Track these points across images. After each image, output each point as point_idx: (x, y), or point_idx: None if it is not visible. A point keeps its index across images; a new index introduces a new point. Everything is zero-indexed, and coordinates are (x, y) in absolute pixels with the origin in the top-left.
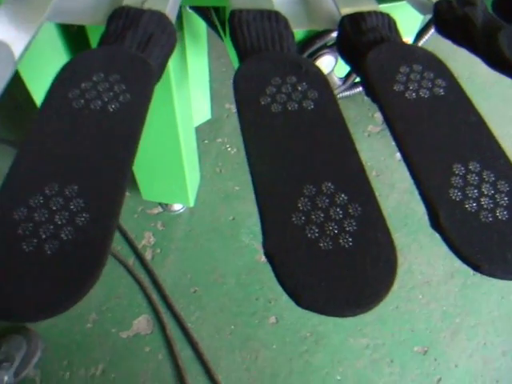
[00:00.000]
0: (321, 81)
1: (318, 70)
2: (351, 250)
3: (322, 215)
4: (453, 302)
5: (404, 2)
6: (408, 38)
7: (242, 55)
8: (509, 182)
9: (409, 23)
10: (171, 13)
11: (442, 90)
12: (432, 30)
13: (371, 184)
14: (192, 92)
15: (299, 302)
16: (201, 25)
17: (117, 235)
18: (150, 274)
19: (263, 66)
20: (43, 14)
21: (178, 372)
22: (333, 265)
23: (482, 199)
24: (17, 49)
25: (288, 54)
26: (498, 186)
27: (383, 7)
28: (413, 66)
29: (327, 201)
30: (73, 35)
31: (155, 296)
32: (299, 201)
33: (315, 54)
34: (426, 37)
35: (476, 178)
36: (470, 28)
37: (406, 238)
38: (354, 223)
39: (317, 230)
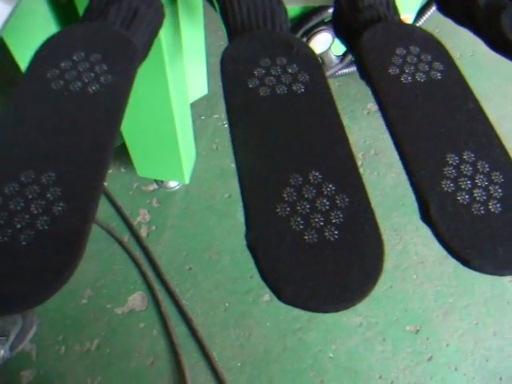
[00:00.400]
0: (313, 63)
1: (311, 51)
2: (337, 243)
3: (308, 206)
4: (447, 282)
5: None
6: (409, 14)
7: (231, 34)
8: (504, 173)
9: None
10: None
11: (439, 74)
12: (434, 8)
13: (360, 174)
14: (187, 67)
15: (281, 297)
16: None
17: (111, 212)
18: (145, 250)
19: (252, 45)
20: None
21: (173, 348)
22: (317, 258)
23: (475, 191)
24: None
25: (279, 33)
26: (493, 177)
27: None
28: (410, 48)
29: (314, 191)
30: (62, 6)
31: (150, 273)
32: (285, 191)
33: (312, 31)
34: (428, 14)
35: (470, 168)
36: (472, 6)
37: (402, 218)
38: (340, 215)
39: (302, 222)
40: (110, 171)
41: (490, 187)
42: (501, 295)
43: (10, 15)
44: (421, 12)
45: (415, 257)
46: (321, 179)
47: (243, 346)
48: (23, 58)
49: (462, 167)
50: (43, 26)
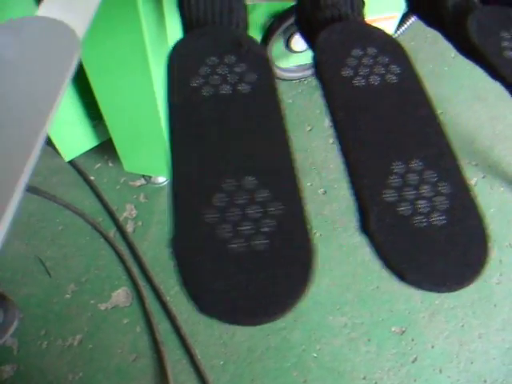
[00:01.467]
0: (263, 63)
1: (263, 51)
2: (264, 253)
3: (239, 213)
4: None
5: None
6: (394, 13)
7: (185, 28)
8: (451, 184)
9: None
10: None
11: (395, 78)
12: None
13: (299, 180)
14: None
15: (200, 309)
16: None
17: (98, 207)
18: (130, 246)
19: (202, 42)
20: None
21: (156, 345)
22: (241, 268)
23: (419, 201)
24: (80, 32)
25: (232, 30)
26: (439, 188)
27: None
28: (367, 49)
29: (247, 197)
30: None
31: (135, 269)
32: (216, 196)
33: (292, 29)
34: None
35: (416, 177)
36: (441, 8)
37: None
38: (272, 223)
39: (230, 230)
40: (97, 165)
41: (435, 198)
42: (487, 297)
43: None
44: (408, 13)
45: None
46: (255, 185)
47: (226, 345)
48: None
49: (408, 176)
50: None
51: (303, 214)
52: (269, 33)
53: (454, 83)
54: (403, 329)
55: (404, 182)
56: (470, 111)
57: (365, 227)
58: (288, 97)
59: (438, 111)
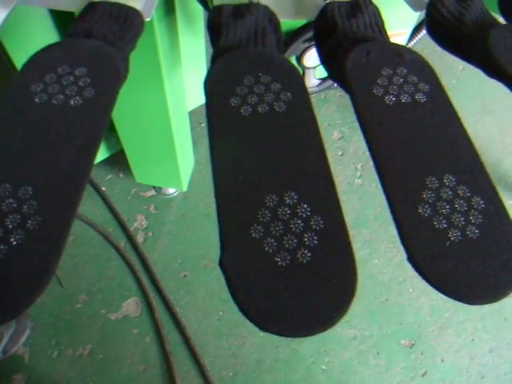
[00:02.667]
0: (296, 81)
1: (294, 69)
2: (308, 266)
3: (282, 227)
4: (443, 296)
5: None
6: (405, 29)
7: (218, 51)
8: (485, 199)
9: (406, 14)
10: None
11: (424, 96)
12: None
13: (337, 195)
14: (187, 74)
15: (259, 326)
16: (198, 7)
17: (109, 217)
18: (141, 257)
19: (238, 63)
20: None
21: (165, 355)
22: (288, 282)
23: (454, 216)
24: None
25: (265, 50)
26: (473, 203)
27: None
28: (397, 69)
29: (289, 212)
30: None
31: (145, 279)
32: (259, 211)
33: (303, 45)
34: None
35: (450, 192)
36: (461, 27)
37: None
38: (314, 237)
39: (275, 244)
40: (109, 176)
41: (470, 212)
42: (498, 311)
43: (5, 20)
44: (417, 28)
45: (412, 270)
46: (296, 200)
47: (236, 356)
48: (20, 59)
49: (442, 191)
50: (41, 28)
51: (344, 228)
52: (284, 48)
53: (462, 96)
54: (412, 342)
55: (439, 197)
56: (478, 124)
57: (402, 240)
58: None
59: None
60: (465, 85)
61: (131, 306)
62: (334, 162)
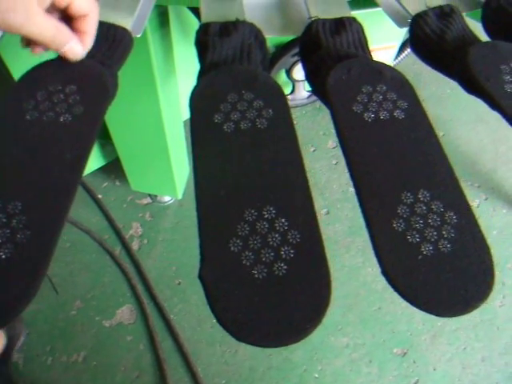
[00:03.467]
0: (278, 98)
1: (277, 87)
2: (284, 279)
3: (260, 241)
4: None
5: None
6: (393, 43)
7: (205, 67)
8: (457, 214)
9: (394, 28)
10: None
11: (402, 113)
12: None
13: (315, 210)
14: (182, 85)
15: (234, 336)
16: (192, 20)
17: (105, 224)
18: (135, 264)
19: (220, 81)
20: None
21: (158, 362)
22: (264, 294)
23: (427, 230)
24: None
25: (249, 68)
26: (446, 218)
27: (366, 12)
28: (376, 86)
29: (267, 226)
30: None
31: (140, 286)
32: (238, 225)
33: (293, 59)
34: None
35: (424, 207)
36: (442, 45)
37: None
38: (291, 251)
39: (253, 257)
40: (105, 184)
41: (443, 227)
42: (490, 320)
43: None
44: (406, 42)
45: None
46: (274, 214)
47: (228, 363)
48: (17, 71)
49: (416, 206)
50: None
51: (320, 242)
52: (272, 62)
53: (456, 105)
54: (405, 350)
55: (412, 212)
56: (472, 133)
57: (377, 255)
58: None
59: (440, 133)
60: (459, 95)
61: (125, 313)
62: (328, 170)
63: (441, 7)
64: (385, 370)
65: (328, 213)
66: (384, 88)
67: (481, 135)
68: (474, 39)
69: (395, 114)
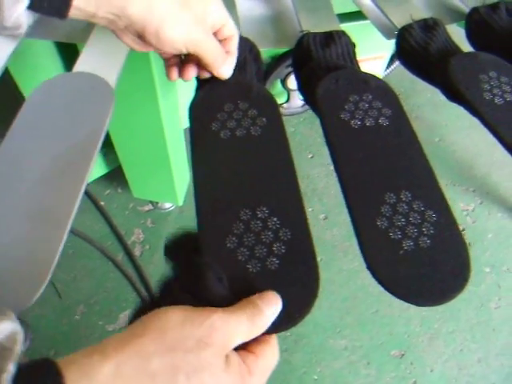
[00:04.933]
0: (271, 108)
1: (270, 97)
2: (276, 273)
3: (254, 238)
4: (432, 307)
5: None
6: (382, 53)
7: (200, 83)
8: (437, 213)
9: (383, 39)
10: None
11: (386, 120)
12: None
13: (305, 210)
14: (182, 94)
15: None
16: None
17: (107, 231)
18: (138, 269)
19: (217, 92)
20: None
21: None
22: (258, 287)
23: (408, 227)
24: (112, 82)
25: (243, 80)
26: (426, 216)
27: (356, 25)
28: (363, 95)
29: (260, 225)
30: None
31: (142, 291)
32: (234, 224)
33: (287, 69)
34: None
35: (406, 207)
36: (426, 56)
37: None
38: (282, 247)
39: (247, 253)
40: (107, 191)
41: (423, 225)
42: (486, 322)
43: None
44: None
45: None
46: (267, 214)
47: None
48: (26, 85)
49: (398, 206)
50: (46, 56)
51: (309, 239)
52: (267, 73)
53: (451, 111)
54: (402, 352)
55: (395, 211)
56: (467, 138)
57: (361, 249)
58: (291, 125)
59: (436, 139)
60: None
61: (128, 317)
62: (326, 176)
63: (425, 20)
64: (383, 371)
65: (326, 218)
66: (370, 97)
67: (476, 140)
68: (456, 50)
69: (380, 121)
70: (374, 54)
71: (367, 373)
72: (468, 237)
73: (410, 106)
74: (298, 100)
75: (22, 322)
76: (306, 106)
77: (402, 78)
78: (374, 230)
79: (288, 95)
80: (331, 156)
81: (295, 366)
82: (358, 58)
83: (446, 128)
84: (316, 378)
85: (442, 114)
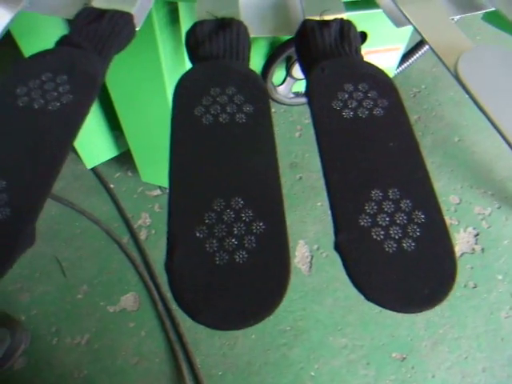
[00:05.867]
0: (260, 96)
1: (259, 83)
2: (243, 267)
3: (225, 230)
4: (439, 312)
5: None
6: (397, 45)
7: (193, 60)
8: (425, 213)
9: (398, 30)
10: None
11: (381, 111)
12: (426, 47)
13: (283, 203)
14: None
15: (190, 316)
16: None
17: (114, 213)
18: (142, 253)
19: (207, 74)
20: (19, 4)
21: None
22: (222, 280)
23: (392, 228)
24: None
25: (236, 64)
26: (413, 216)
27: (369, 13)
28: (358, 84)
29: (233, 216)
30: None
31: (145, 275)
32: (206, 214)
33: (293, 57)
34: (421, 51)
35: (392, 205)
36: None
37: None
38: (254, 240)
39: (216, 244)
40: (117, 174)
41: (409, 226)
42: (494, 331)
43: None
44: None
45: None
46: (242, 205)
47: (226, 356)
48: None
49: (385, 204)
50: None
51: (285, 233)
52: (270, 60)
53: (473, 111)
54: (404, 355)
55: (380, 209)
56: (488, 140)
57: (337, 245)
58: (305, 117)
59: (456, 138)
60: None
61: (129, 300)
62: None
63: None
64: (382, 373)
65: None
66: (366, 87)
67: (497, 142)
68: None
69: (374, 112)
70: (387, 46)
71: (366, 373)
72: (481, 242)
73: (430, 104)
74: (289, 91)
75: (19, 323)
76: (294, 100)
77: (423, 75)
78: (356, 228)
79: (284, 78)
80: (318, 147)
81: (292, 361)
82: (369, 48)
83: (466, 128)
84: (313, 374)
85: (464, 113)
